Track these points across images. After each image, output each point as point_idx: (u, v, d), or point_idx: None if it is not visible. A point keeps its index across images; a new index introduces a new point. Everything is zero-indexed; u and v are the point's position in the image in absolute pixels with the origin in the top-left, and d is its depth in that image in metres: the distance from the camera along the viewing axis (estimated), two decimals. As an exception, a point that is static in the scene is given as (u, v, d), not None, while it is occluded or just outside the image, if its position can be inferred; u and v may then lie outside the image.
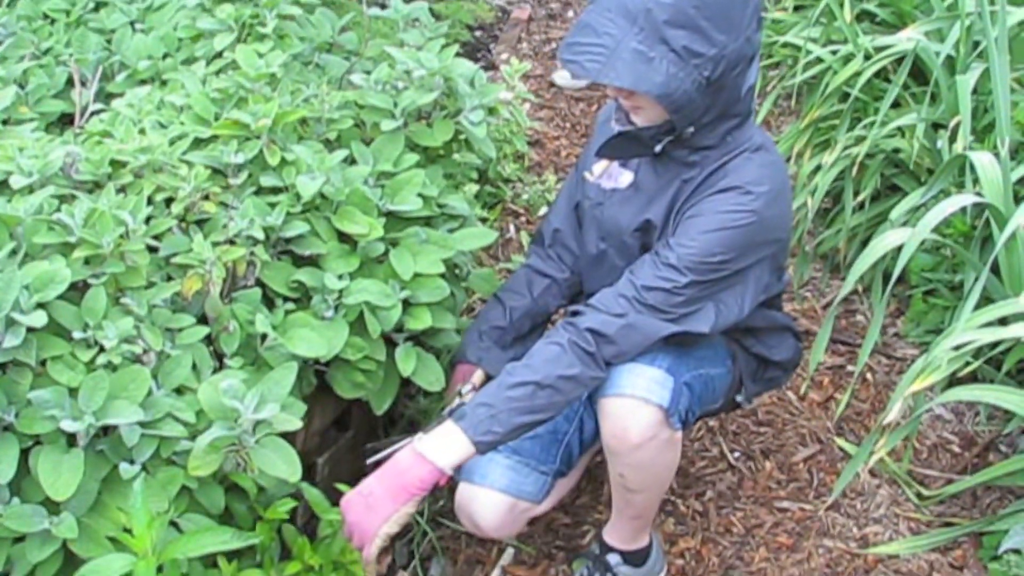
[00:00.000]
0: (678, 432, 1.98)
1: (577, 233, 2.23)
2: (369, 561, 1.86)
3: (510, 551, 2.39)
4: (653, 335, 1.92)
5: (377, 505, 1.84)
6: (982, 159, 2.40)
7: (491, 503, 2.11)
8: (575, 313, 1.96)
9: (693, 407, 2.03)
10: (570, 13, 5.30)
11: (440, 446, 1.86)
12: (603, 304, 1.93)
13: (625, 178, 2.07)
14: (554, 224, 2.26)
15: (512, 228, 3.48)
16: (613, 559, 2.23)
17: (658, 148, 1.94)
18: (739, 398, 2.26)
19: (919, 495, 2.53)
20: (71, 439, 1.62)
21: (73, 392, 1.63)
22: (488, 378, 2.13)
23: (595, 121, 2.19)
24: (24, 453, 1.60)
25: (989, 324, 2.18)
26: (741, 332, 2.12)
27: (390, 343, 2.08)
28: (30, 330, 1.63)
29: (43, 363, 1.67)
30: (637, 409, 1.91)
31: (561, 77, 4.59)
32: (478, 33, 4.97)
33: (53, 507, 1.59)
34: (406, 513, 1.85)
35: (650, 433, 1.92)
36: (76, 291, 1.76)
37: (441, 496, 2.36)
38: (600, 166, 2.12)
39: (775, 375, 2.27)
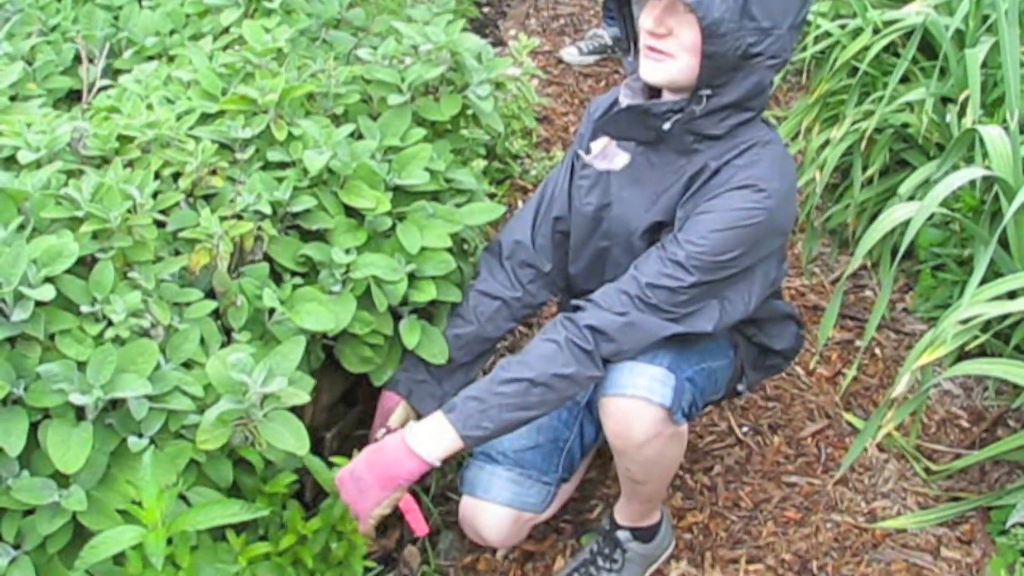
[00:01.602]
0: (682, 426, 1.96)
1: (545, 248, 2.16)
2: (366, 535, 1.91)
3: (518, 525, 2.39)
4: (654, 335, 1.88)
5: (367, 491, 1.85)
6: (991, 133, 2.38)
7: (495, 516, 2.11)
8: (575, 308, 1.93)
9: (696, 401, 2.01)
10: (578, -11, 5.27)
11: (429, 439, 1.85)
12: (604, 300, 1.90)
13: (620, 160, 2.03)
14: (515, 236, 2.18)
15: (521, 204, 3.48)
16: (623, 535, 2.23)
17: (667, 125, 1.89)
18: (740, 387, 2.25)
19: (927, 470, 2.53)
20: (80, 412, 1.63)
21: (81, 366, 1.63)
22: (417, 416, 2.06)
23: (585, 114, 2.16)
24: (33, 426, 1.60)
25: (998, 298, 2.17)
26: (744, 323, 2.08)
27: (395, 317, 2.08)
28: (38, 304, 1.63)
29: (51, 337, 1.67)
30: (639, 409, 1.89)
31: (569, 54, 4.57)
32: (486, 9, 4.95)
33: (62, 480, 1.59)
34: (396, 498, 1.87)
35: (654, 431, 1.90)
36: (84, 266, 1.76)
37: (450, 470, 2.37)
38: (599, 144, 2.07)
39: (776, 363, 2.26)
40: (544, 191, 2.19)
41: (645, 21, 1.83)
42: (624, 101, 1.96)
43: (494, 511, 2.11)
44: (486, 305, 2.15)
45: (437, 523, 2.34)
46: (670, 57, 1.83)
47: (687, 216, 1.90)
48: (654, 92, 1.97)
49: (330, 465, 1.95)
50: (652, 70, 1.86)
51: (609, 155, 2.05)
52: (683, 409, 1.93)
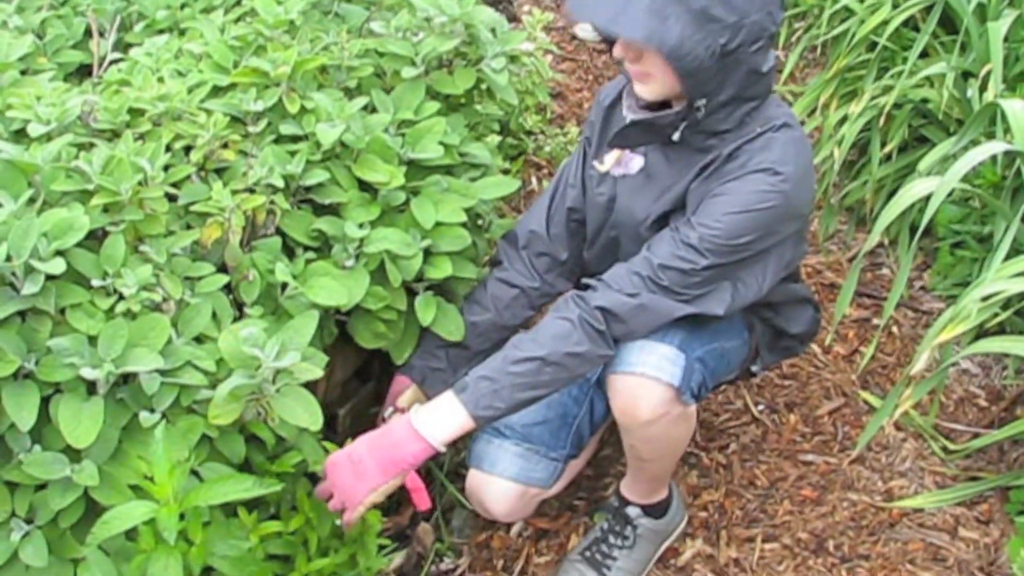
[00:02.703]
0: (691, 406, 1.95)
1: (561, 237, 2.16)
2: (349, 525, 1.85)
3: (532, 503, 2.38)
4: (666, 316, 1.87)
5: (366, 475, 1.81)
6: (1014, 106, 2.34)
7: (501, 491, 2.11)
8: (585, 287, 1.92)
9: (707, 381, 1.99)
10: (593, -35, 5.21)
11: (437, 421, 1.83)
12: (615, 281, 1.88)
13: (635, 163, 2.02)
14: (530, 225, 2.18)
15: (535, 180, 3.45)
16: (633, 511, 2.22)
17: (676, 136, 1.88)
18: (754, 368, 2.23)
19: (945, 449, 2.50)
20: (91, 387, 1.62)
21: (92, 340, 1.62)
22: (427, 397, 2.04)
23: (595, 102, 2.14)
24: (45, 401, 1.59)
25: (1019, 275, 2.14)
26: (760, 305, 2.07)
27: (411, 293, 2.06)
28: (49, 278, 1.61)
29: (62, 311, 1.66)
30: (646, 387, 1.87)
31: (583, 29, 4.51)
32: (499, -15, 4.91)
33: (74, 455, 1.58)
34: (395, 485, 1.84)
35: (661, 411, 1.89)
36: (95, 239, 1.74)
37: (464, 447, 2.35)
38: (612, 156, 2.05)
39: (791, 345, 2.24)
40: (559, 180, 2.19)
41: (615, 49, 1.83)
42: (628, 116, 1.93)
43: (500, 485, 2.10)
44: (504, 293, 2.15)
45: (452, 499, 2.33)
46: (651, 76, 1.82)
47: (700, 199, 1.88)
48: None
49: (341, 445, 1.93)
50: (643, 91, 1.87)
51: (624, 161, 2.04)
52: (692, 389, 1.91)
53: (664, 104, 1.91)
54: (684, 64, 1.72)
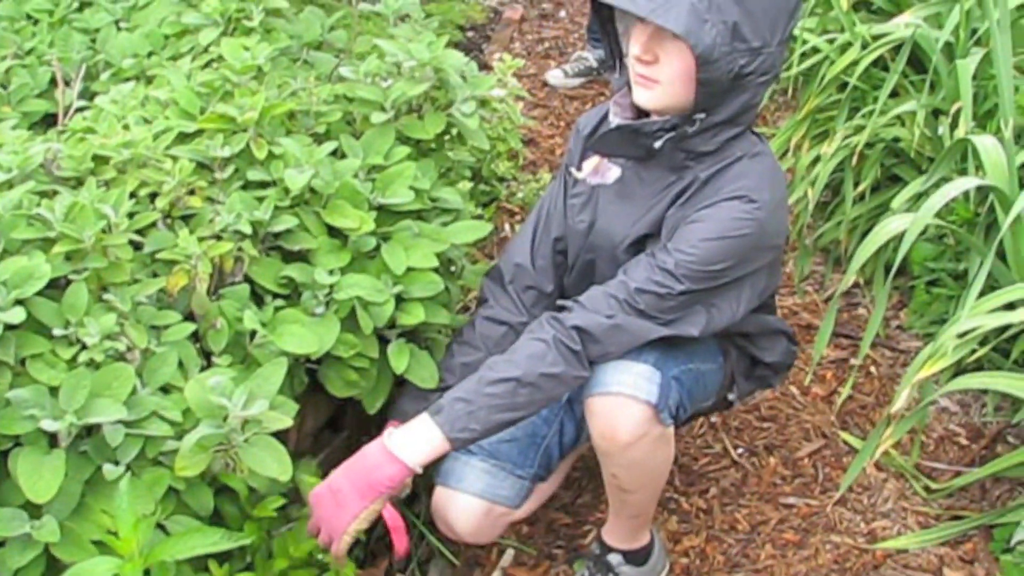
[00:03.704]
0: (670, 428, 1.92)
1: (546, 269, 2.14)
2: (338, 557, 1.82)
3: (510, 552, 2.34)
4: (641, 337, 1.86)
5: (346, 503, 1.79)
6: (985, 143, 2.35)
7: (467, 507, 2.07)
8: (560, 308, 1.91)
9: (684, 402, 1.97)
10: (562, 13, 5.25)
11: (412, 442, 1.81)
12: (591, 303, 1.87)
13: (612, 173, 2.02)
14: (515, 259, 2.16)
15: (507, 226, 3.44)
16: (615, 559, 2.18)
17: (658, 144, 1.87)
18: (731, 396, 2.20)
19: (927, 488, 2.48)
20: (52, 439, 1.57)
21: (54, 391, 1.57)
22: None
23: (573, 130, 2.15)
24: (3, 455, 1.54)
25: (996, 310, 2.13)
26: (734, 333, 2.07)
27: (383, 341, 2.03)
28: (9, 327, 1.58)
29: (22, 361, 1.61)
30: (624, 406, 1.85)
31: (554, 76, 4.55)
32: (470, 34, 4.93)
33: (34, 510, 1.53)
34: (375, 510, 1.81)
35: (640, 431, 1.87)
36: (57, 288, 1.71)
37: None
38: (590, 163, 2.06)
39: (766, 375, 2.22)
40: (540, 212, 2.17)
41: (632, 47, 1.82)
42: (614, 120, 1.94)
43: (466, 502, 2.06)
44: (493, 331, 2.12)
45: (432, 549, 2.28)
46: (658, 84, 1.82)
47: (676, 225, 1.88)
48: (643, 110, 1.94)
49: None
50: (643, 97, 1.86)
51: (601, 171, 2.04)
52: (670, 408, 1.90)
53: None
54: (707, 72, 1.74)
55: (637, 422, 1.86)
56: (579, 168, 2.07)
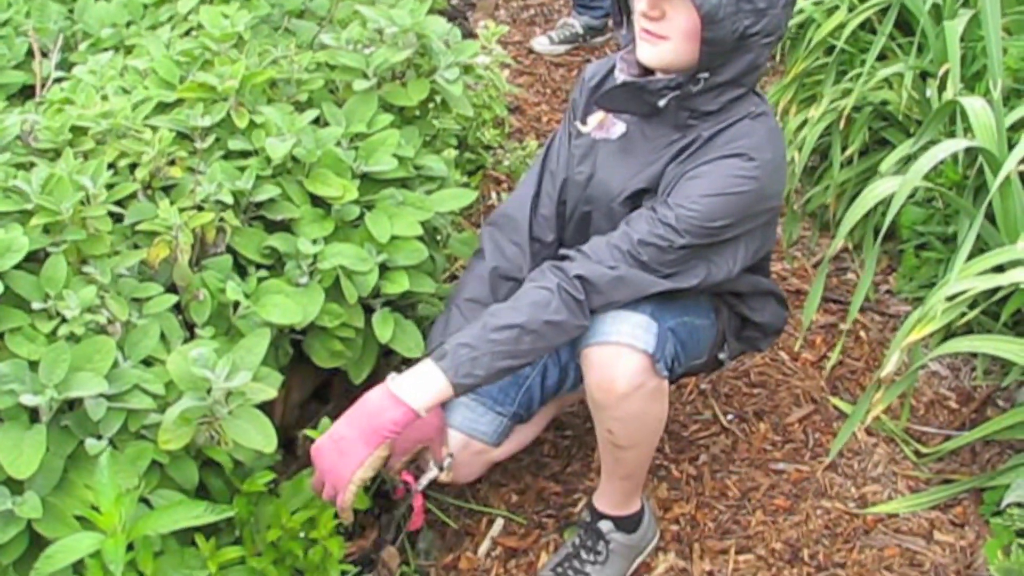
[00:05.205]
0: (665, 380, 1.93)
1: (550, 219, 2.12)
2: (344, 508, 1.80)
3: (500, 521, 2.33)
4: (643, 290, 1.88)
5: (349, 450, 1.77)
6: (974, 104, 2.33)
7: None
8: (563, 257, 1.91)
9: (679, 355, 1.99)
10: (548, -20, 5.20)
11: (416, 386, 1.80)
12: (595, 252, 1.88)
13: (617, 129, 2.02)
14: (517, 208, 2.14)
15: (494, 195, 3.41)
16: (605, 526, 2.17)
17: (662, 102, 1.88)
18: (722, 355, 2.21)
19: (917, 453, 2.47)
20: (33, 414, 1.55)
21: (33, 365, 1.56)
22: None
23: (579, 80, 2.14)
24: (-17, 431, 1.52)
25: (984, 272, 2.12)
26: (726, 292, 2.09)
27: (367, 310, 2.01)
28: (-14, 301, 1.56)
29: (1, 336, 1.60)
30: (622, 355, 1.86)
31: (540, 43, 4.51)
32: (455, 1, 4.88)
33: (16, 486, 1.51)
34: (380, 456, 1.80)
35: (637, 381, 1.87)
36: (35, 261, 1.69)
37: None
38: (595, 118, 2.06)
39: (755, 336, 2.23)
40: (547, 161, 2.16)
41: (639, 2, 1.82)
42: (620, 76, 1.95)
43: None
44: (503, 286, 2.11)
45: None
46: (665, 40, 1.83)
47: (676, 179, 1.90)
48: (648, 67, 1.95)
49: (301, 468, 1.87)
50: (648, 53, 1.86)
51: (606, 126, 2.05)
52: (665, 360, 1.91)
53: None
54: (712, 31, 1.75)
55: (635, 371, 1.87)
56: (583, 120, 2.08)
